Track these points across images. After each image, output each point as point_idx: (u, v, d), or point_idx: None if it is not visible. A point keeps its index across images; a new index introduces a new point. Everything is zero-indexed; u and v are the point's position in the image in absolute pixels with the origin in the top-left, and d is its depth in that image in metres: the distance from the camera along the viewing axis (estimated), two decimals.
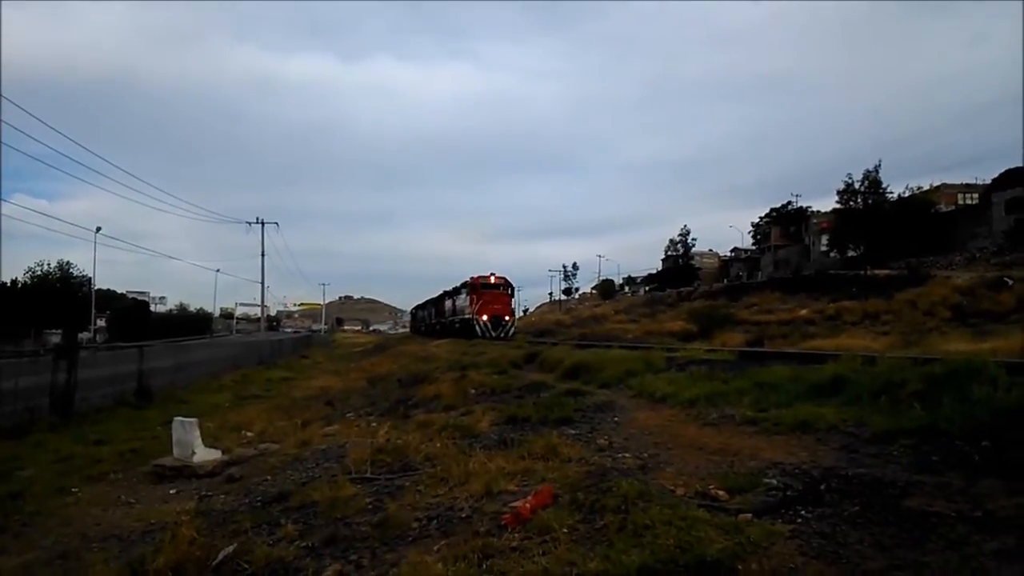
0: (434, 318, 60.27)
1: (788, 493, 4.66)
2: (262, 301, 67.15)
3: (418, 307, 79.11)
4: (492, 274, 43.22)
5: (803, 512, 4.32)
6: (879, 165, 51.13)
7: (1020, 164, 50.15)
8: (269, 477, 8.29)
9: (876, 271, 40.82)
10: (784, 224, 73.25)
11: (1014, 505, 4.07)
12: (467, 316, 42.38)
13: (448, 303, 52.40)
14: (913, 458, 5.35)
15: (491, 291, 41.85)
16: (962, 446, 5.41)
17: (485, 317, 40.13)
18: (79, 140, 74.65)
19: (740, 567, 3.59)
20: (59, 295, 51.34)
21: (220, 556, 5.37)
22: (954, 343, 18.83)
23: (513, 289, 44.13)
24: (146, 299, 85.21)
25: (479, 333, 39.00)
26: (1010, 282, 30.16)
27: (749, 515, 4.30)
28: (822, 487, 4.74)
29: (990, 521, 3.87)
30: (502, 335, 39.22)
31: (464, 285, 45.78)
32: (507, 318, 41.85)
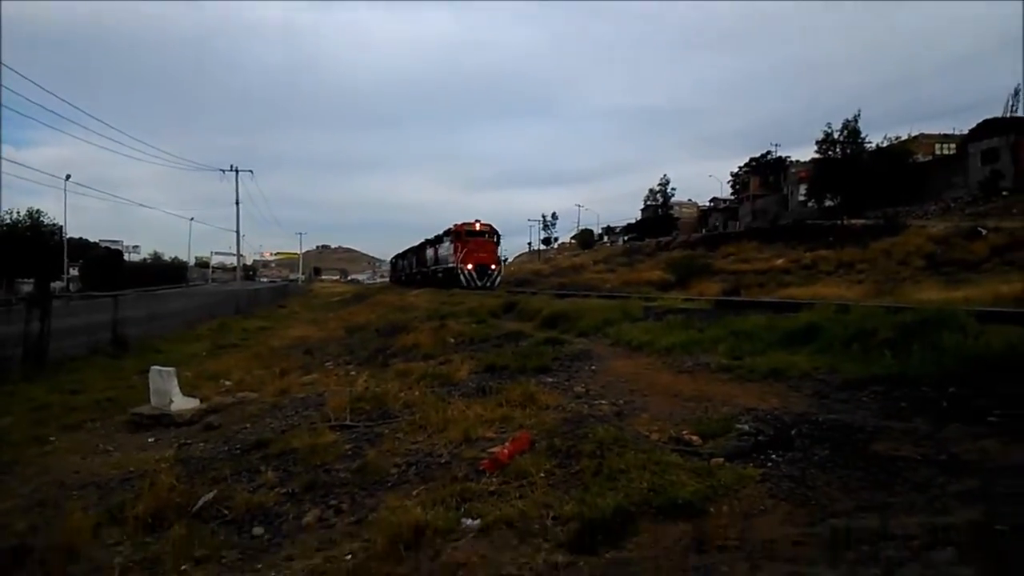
0: (415, 267, 57.67)
1: (760, 438, 4.75)
2: (238, 250, 66.66)
3: (398, 256, 76.19)
4: (477, 221, 40.79)
5: (774, 456, 4.42)
6: (858, 115, 50.94)
7: (997, 115, 50.61)
8: (248, 425, 8.30)
9: (852, 221, 41.09)
10: (763, 174, 73.18)
11: (978, 449, 4.18)
12: (451, 265, 40.32)
13: (430, 252, 49.82)
14: (882, 404, 5.46)
15: (476, 238, 39.56)
16: (930, 392, 5.53)
17: (470, 266, 38.13)
18: (45, 85, 72.10)
19: (711, 509, 3.68)
20: (30, 244, 50.36)
21: (200, 502, 5.42)
22: (927, 292, 19.15)
23: (499, 237, 41.66)
24: (119, 248, 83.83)
25: (463, 283, 37.07)
26: (984, 232, 30.54)
27: (721, 459, 4.40)
28: (793, 432, 4.84)
29: (955, 464, 3.98)
30: (488, 284, 37.29)
31: (447, 232, 43.40)
32: (493, 267, 39.68)
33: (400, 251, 73.66)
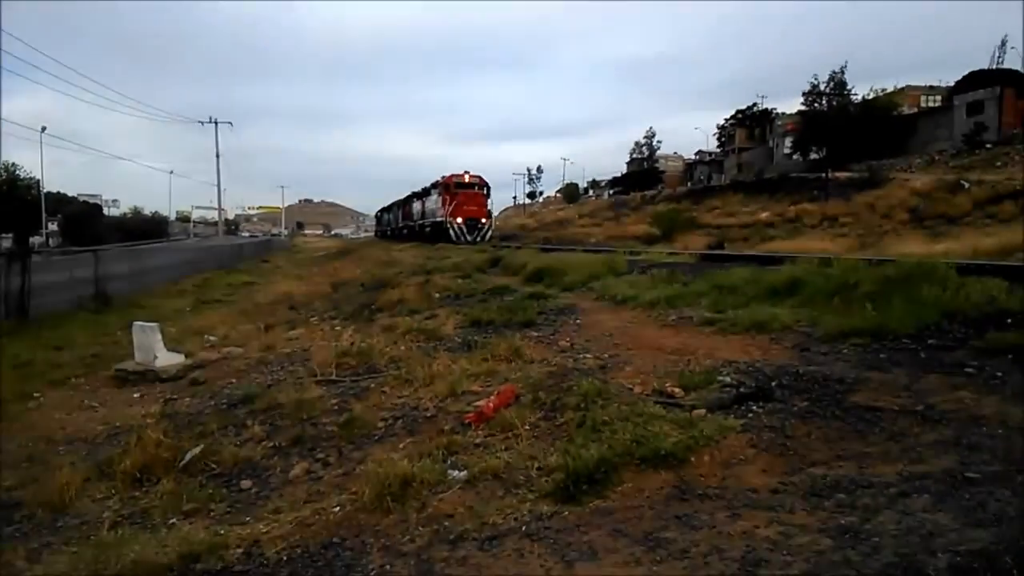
0: (401, 221, 56.14)
1: (741, 390, 4.82)
2: (219, 204, 66.06)
3: (383, 210, 74.02)
4: (466, 172, 39.25)
5: (755, 407, 4.48)
6: (845, 66, 50.96)
7: (984, 67, 50.43)
8: (234, 380, 8.33)
9: (837, 174, 41.13)
10: (749, 126, 72.79)
11: (954, 399, 4.27)
12: (439, 219, 38.76)
13: (417, 205, 48.37)
14: (862, 356, 5.54)
15: (466, 191, 37.99)
16: (909, 344, 5.62)
17: (460, 220, 36.60)
18: (16, 34, 70.19)
19: (693, 459, 3.75)
20: (6, 198, 49.47)
21: (187, 457, 5.45)
22: (909, 245, 19.31)
23: (489, 189, 40.07)
24: (98, 202, 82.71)
25: (453, 237, 35.56)
26: (967, 185, 30.68)
27: (703, 411, 4.46)
28: (773, 384, 4.91)
29: (931, 414, 4.06)
30: (478, 239, 35.92)
31: (435, 185, 41.75)
32: (483, 221, 38.13)
33: (385, 205, 72.04)
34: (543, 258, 16.60)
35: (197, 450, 5.51)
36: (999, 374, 4.63)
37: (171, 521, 4.36)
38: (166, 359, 9.62)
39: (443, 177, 39.93)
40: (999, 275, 7.21)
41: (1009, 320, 5.70)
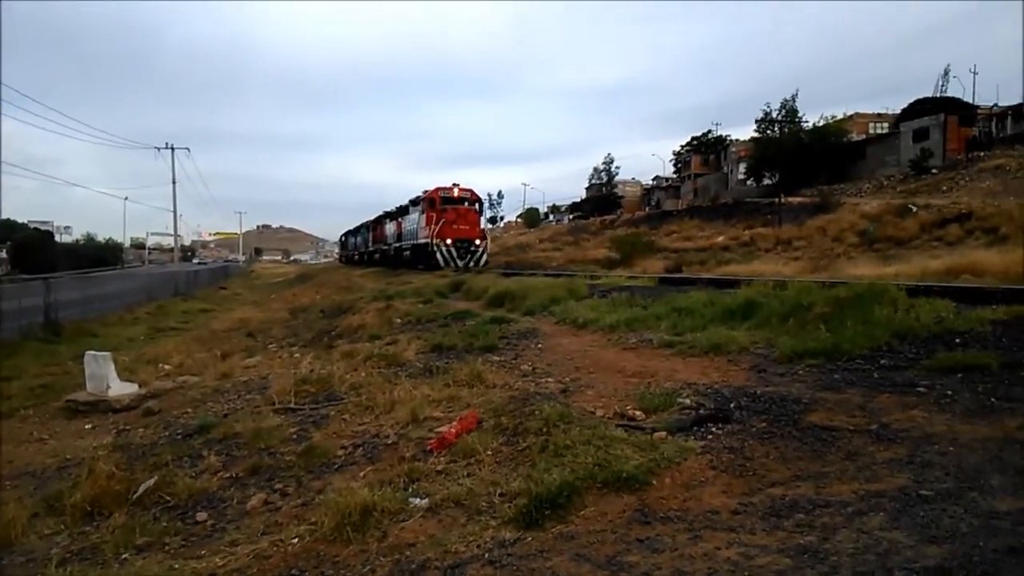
0: (372, 244, 50.09)
1: (701, 411, 4.87)
2: (175, 230, 64.76)
3: (349, 233, 67.95)
4: (456, 185, 32.94)
5: (714, 429, 4.53)
6: (796, 94, 52.72)
7: (928, 95, 52.18)
8: (189, 410, 8.16)
9: (789, 198, 42.02)
10: (704, 153, 74.26)
11: (907, 418, 4.37)
12: (422, 240, 32.59)
13: (390, 226, 42.33)
14: (817, 377, 5.64)
15: (455, 206, 31.84)
16: (862, 365, 5.74)
17: (449, 241, 30.60)
18: None
19: (654, 481, 3.76)
20: None
21: (140, 489, 5.32)
22: (860, 268, 19.74)
23: (482, 205, 34.72)
24: (50, 229, 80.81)
25: (440, 262, 29.95)
26: (914, 209, 31.56)
27: (664, 433, 4.49)
28: (732, 405, 4.97)
29: (885, 433, 4.15)
30: (471, 264, 30.48)
31: (416, 201, 35.54)
32: (478, 242, 31.94)
33: (351, 227, 66.24)
34: (504, 282, 16.63)
35: (151, 482, 5.37)
36: (949, 393, 4.75)
37: (123, 556, 4.24)
38: (119, 389, 9.40)
39: (427, 191, 33.69)
40: (947, 296, 7.44)
41: (957, 340, 5.87)
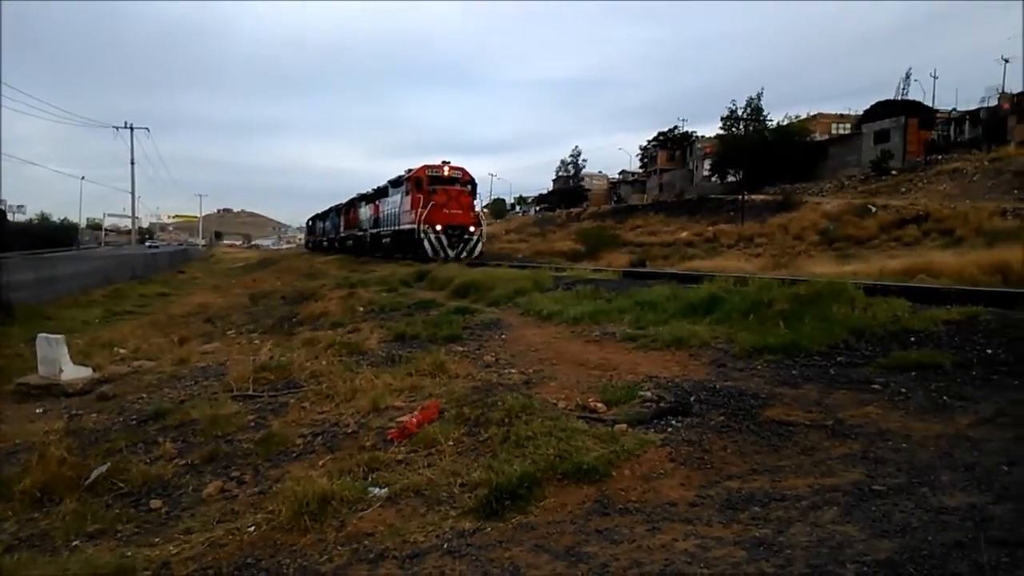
0: (344, 229, 45.37)
1: (661, 404, 4.91)
2: (132, 212, 63.59)
3: (317, 217, 62.64)
4: (446, 163, 28.50)
5: (674, 422, 4.57)
6: (761, 93, 53.28)
7: (890, 97, 53.21)
8: (145, 395, 8.01)
9: (753, 196, 42.54)
10: (670, 148, 74.72)
11: (862, 414, 4.45)
12: (406, 226, 28.30)
13: (366, 210, 37.95)
14: (775, 372, 5.72)
15: (446, 187, 27.69)
16: (820, 361, 5.84)
17: (439, 227, 26.52)
18: None
19: (614, 473, 3.79)
20: None
21: (93, 475, 5.21)
22: (820, 266, 20.10)
23: (475, 186, 29.63)
24: (1, 208, 78.44)
25: (428, 251, 26.12)
26: (874, 209, 32.18)
27: (625, 425, 4.52)
28: (692, 399, 5.03)
29: (840, 429, 4.23)
30: (465, 253, 26.75)
31: (399, 181, 30.94)
32: (472, 229, 27.72)
33: (319, 211, 60.93)
34: (469, 273, 16.60)
35: (104, 468, 5.26)
36: (903, 390, 4.85)
37: (73, 544, 4.15)
38: (72, 373, 9.19)
39: (412, 170, 29.31)
40: (903, 295, 7.59)
41: (912, 339, 5.99)
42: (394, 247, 30.04)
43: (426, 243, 26.28)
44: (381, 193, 34.45)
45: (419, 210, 26.67)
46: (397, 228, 29.90)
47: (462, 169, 28.83)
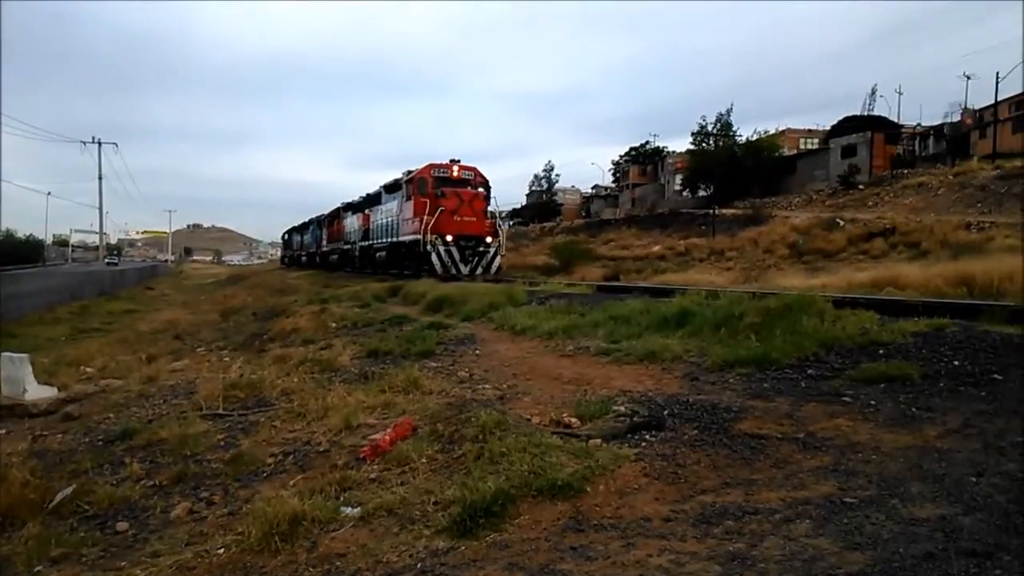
0: (326, 243, 41.03)
1: (635, 419, 4.91)
2: (100, 228, 62.68)
3: (294, 230, 58.21)
4: (455, 162, 24.36)
5: (648, 436, 4.58)
6: (731, 108, 54.18)
7: (856, 113, 54.22)
8: (111, 415, 7.85)
9: (723, 210, 43.01)
10: (642, 163, 75.45)
11: (832, 427, 4.49)
12: (408, 237, 24.23)
13: (352, 220, 33.87)
14: (747, 385, 5.76)
15: (456, 189, 23.50)
16: (791, 374, 5.89)
17: (449, 237, 22.44)
18: None
19: (589, 489, 3.78)
20: None
21: (58, 498, 5.10)
22: (790, 279, 20.31)
23: (489, 190, 25.12)
24: None
25: (438, 267, 22.15)
26: (842, 223, 32.66)
27: (599, 440, 4.51)
28: (665, 413, 5.04)
29: (811, 441, 4.26)
30: (480, 269, 23.01)
31: (395, 186, 26.68)
32: (488, 240, 23.67)
33: (296, 224, 56.57)
34: (443, 287, 16.55)
35: (68, 490, 5.15)
36: (873, 402, 4.90)
37: (36, 569, 4.06)
38: (36, 392, 8.98)
39: (410, 172, 25.15)
40: (871, 308, 7.70)
41: (881, 351, 6.07)
42: (391, 262, 26.26)
43: (434, 257, 22.27)
44: (372, 201, 30.51)
45: (424, 217, 22.42)
46: (395, 240, 26.04)
47: (474, 169, 24.79)
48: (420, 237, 22.46)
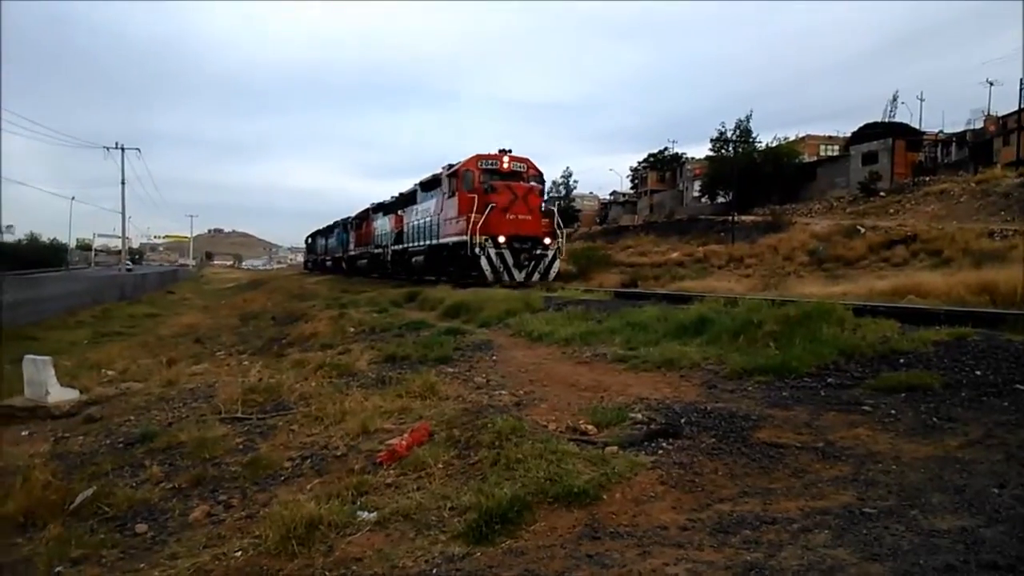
0: (354, 247, 38.03)
1: (652, 426, 4.89)
2: (123, 233, 63.34)
3: (318, 234, 55.68)
4: (505, 152, 21.25)
5: (664, 444, 4.55)
6: (750, 115, 54.08)
7: (877, 119, 53.79)
8: (132, 418, 7.92)
9: (742, 217, 42.79)
10: (660, 169, 75.26)
11: (852, 436, 4.45)
12: (451, 238, 21.21)
13: (383, 222, 31.05)
14: (766, 393, 5.72)
15: (507, 183, 20.44)
16: (810, 382, 5.84)
17: (502, 239, 19.57)
18: None
19: (605, 497, 3.76)
20: None
21: (78, 500, 5.15)
22: (809, 286, 20.17)
23: (544, 184, 23.05)
24: None
25: (488, 273, 19.48)
26: (862, 230, 32.39)
27: (615, 448, 4.50)
28: (682, 421, 5.01)
29: (830, 451, 4.22)
30: (537, 275, 20.42)
31: (433, 182, 23.91)
32: (547, 242, 20.79)
33: (320, 227, 53.59)
34: (460, 294, 16.57)
35: (89, 492, 5.20)
36: (893, 412, 4.85)
37: (56, 570, 4.09)
38: (59, 395, 9.08)
39: (451, 166, 21.99)
40: (892, 316, 7.62)
41: (902, 360, 6.01)
42: (430, 267, 23.40)
43: (483, 261, 19.42)
44: (406, 200, 27.55)
45: (471, 216, 19.50)
46: (435, 242, 22.90)
47: (526, 160, 21.53)
48: (466, 239, 19.58)
